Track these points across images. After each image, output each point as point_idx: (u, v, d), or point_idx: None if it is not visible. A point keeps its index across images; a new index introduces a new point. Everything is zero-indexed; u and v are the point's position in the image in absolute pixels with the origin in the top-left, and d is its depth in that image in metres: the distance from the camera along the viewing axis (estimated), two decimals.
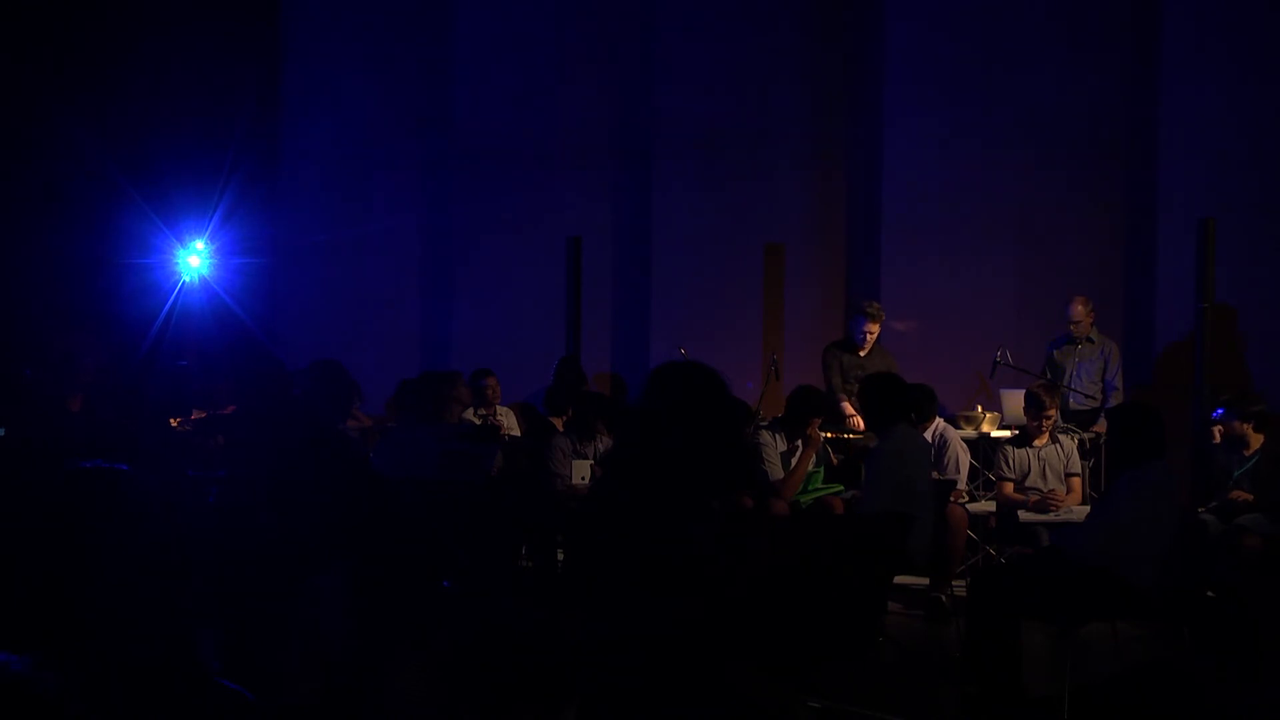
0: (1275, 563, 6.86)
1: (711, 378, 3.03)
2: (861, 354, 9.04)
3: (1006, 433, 8.36)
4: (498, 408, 9.17)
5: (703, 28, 10.49)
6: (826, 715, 5.16)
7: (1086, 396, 8.92)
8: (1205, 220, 8.57)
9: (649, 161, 10.51)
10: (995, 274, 9.93)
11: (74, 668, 1.31)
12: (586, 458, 7.89)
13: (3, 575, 2.00)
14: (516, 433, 9.11)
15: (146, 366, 8.95)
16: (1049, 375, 8.90)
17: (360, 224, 10.59)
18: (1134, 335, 9.77)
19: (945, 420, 8.35)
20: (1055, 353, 9.09)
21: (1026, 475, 7.81)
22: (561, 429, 8.33)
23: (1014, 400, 8.43)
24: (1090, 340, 8.99)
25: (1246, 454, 7.44)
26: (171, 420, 8.00)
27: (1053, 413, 7.89)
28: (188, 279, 10.07)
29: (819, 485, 7.93)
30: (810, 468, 7.84)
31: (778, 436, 7.90)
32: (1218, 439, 7.73)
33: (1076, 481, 7.85)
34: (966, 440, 8.33)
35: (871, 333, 9.00)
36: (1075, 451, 7.97)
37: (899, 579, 6.99)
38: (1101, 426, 8.46)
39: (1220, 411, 7.67)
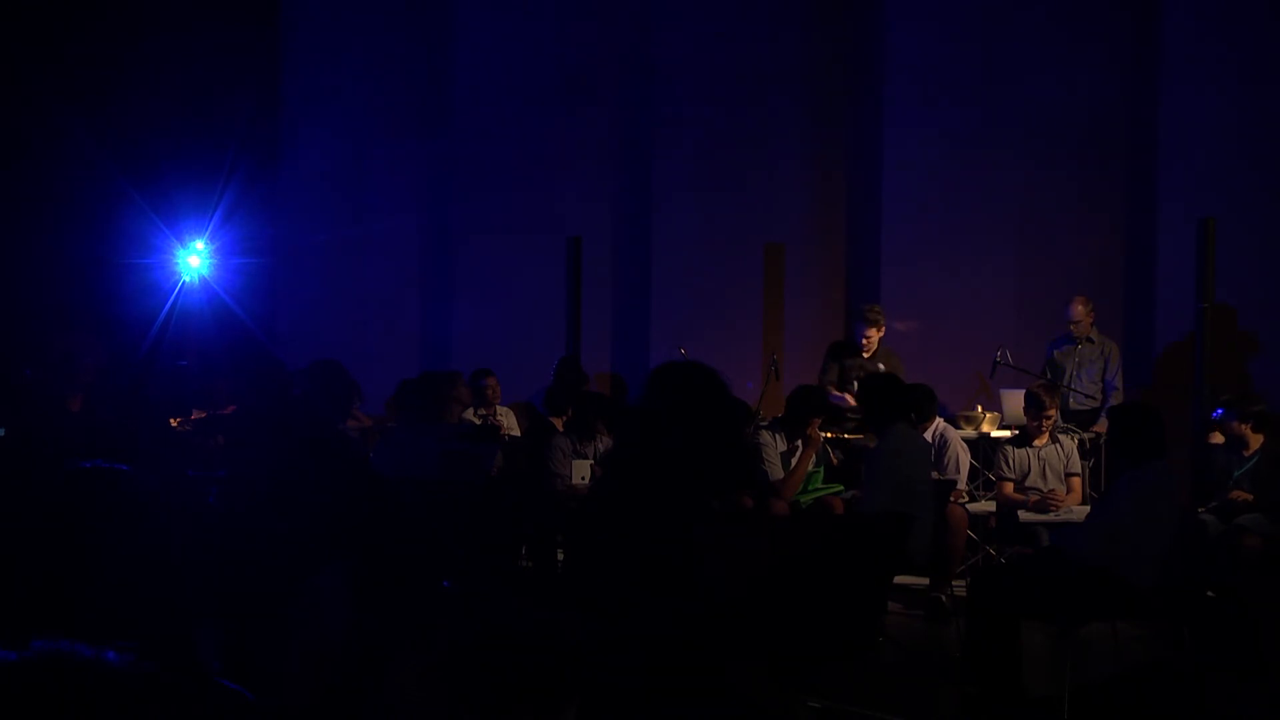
0: (1275, 563, 6.86)
1: (711, 378, 3.03)
2: (865, 355, 9.05)
3: (1006, 433, 8.36)
4: (498, 408, 9.17)
5: (703, 28, 10.49)
6: (826, 715, 5.16)
7: (1087, 396, 8.92)
8: (1205, 220, 8.57)
9: (649, 161, 10.51)
10: (995, 274, 9.93)
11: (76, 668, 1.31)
12: (586, 458, 7.89)
13: (3, 575, 2.00)
14: (516, 433, 9.11)
15: (146, 366, 8.94)
16: (1049, 375, 8.90)
17: (360, 224, 10.59)
18: (1134, 335, 9.77)
19: (945, 420, 8.35)
20: (1055, 353, 9.09)
21: (1026, 475, 7.81)
22: (561, 429, 8.32)
23: (1014, 400, 8.43)
24: (1090, 340, 8.98)
25: (1246, 454, 7.44)
26: (171, 420, 8.00)
27: (1053, 413, 7.89)
28: (188, 279, 10.06)
29: (819, 485, 7.93)
30: (810, 468, 7.84)
31: (778, 436, 7.90)
32: (1220, 439, 7.72)
33: (1076, 481, 7.85)
34: (966, 440, 8.32)
35: (870, 338, 9.01)
36: (1075, 451, 7.97)
37: (899, 579, 6.99)
38: (1101, 426, 8.46)
39: (1220, 412, 7.67)
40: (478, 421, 8.74)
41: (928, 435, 7.85)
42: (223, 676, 2.06)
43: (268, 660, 3.09)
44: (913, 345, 9.76)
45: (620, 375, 10.62)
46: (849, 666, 5.58)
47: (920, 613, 7.29)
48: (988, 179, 9.94)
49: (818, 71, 10.47)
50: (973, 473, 8.40)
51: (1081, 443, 8.32)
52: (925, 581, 7.36)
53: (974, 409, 8.86)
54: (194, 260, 10.09)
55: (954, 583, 7.30)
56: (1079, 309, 8.94)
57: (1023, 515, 7.53)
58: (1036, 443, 7.85)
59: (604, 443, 7.90)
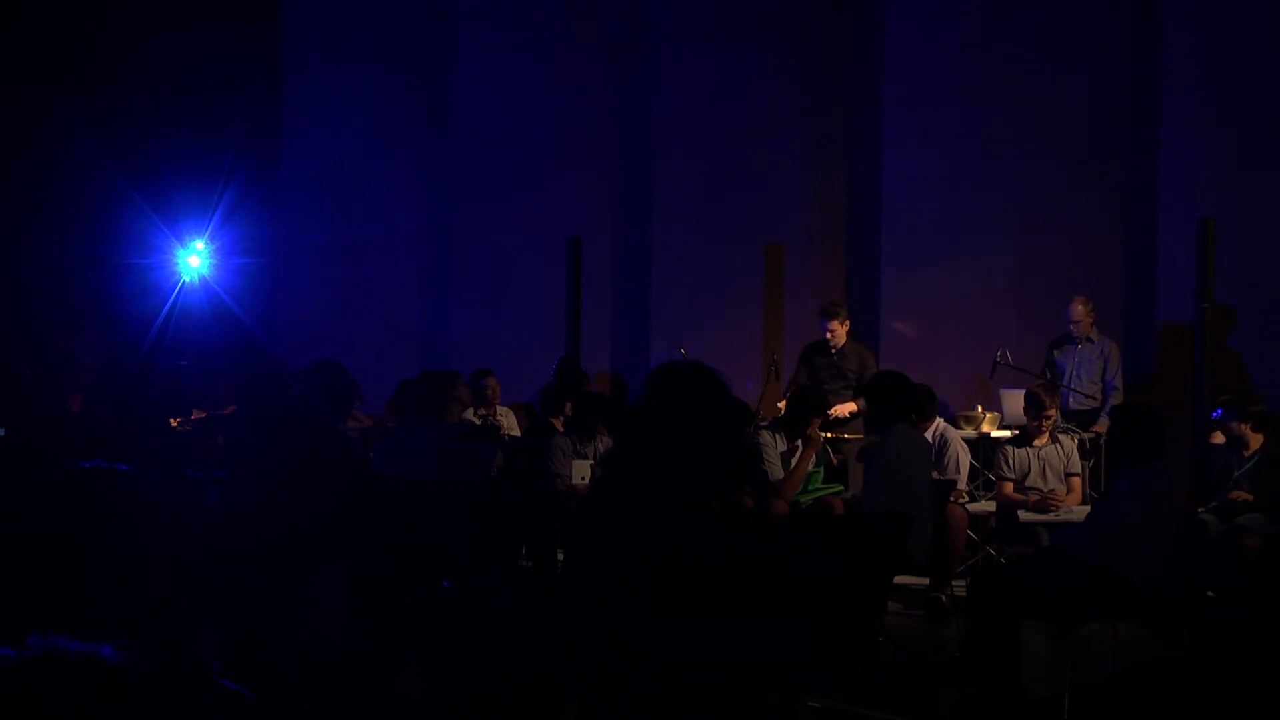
0: (1275, 563, 6.86)
1: (711, 378, 3.03)
2: (832, 352, 9.03)
3: (1006, 433, 8.36)
4: (498, 408, 9.17)
5: (703, 27, 10.48)
6: (826, 715, 5.16)
7: (1086, 396, 8.92)
8: (1205, 220, 8.57)
9: (649, 161, 10.51)
10: (995, 274, 9.92)
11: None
12: (586, 458, 7.89)
13: (3, 575, 2.00)
14: (516, 433, 9.11)
15: (146, 366, 8.96)
16: (1048, 375, 8.90)
17: (360, 224, 10.59)
18: (1134, 335, 9.77)
19: (945, 420, 8.35)
20: (1055, 353, 9.09)
21: (1026, 475, 7.81)
22: (560, 429, 8.32)
23: (1014, 400, 8.43)
24: (1090, 341, 8.98)
25: (1246, 454, 7.44)
26: (171, 420, 8.01)
27: (1053, 413, 7.88)
28: (188, 279, 10.07)
29: (819, 485, 7.93)
30: (810, 468, 7.84)
31: (778, 436, 7.90)
32: (1220, 439, 7.72)
33: (1076, 481, 7.85)
34: (966, 440, 8.33)
35: (833, 331, 8.98)
36: (1075, 451, 7.97)
37: (899, 579, 6.99)
38: (1102, 426, 8.46)
39: (1220, 412, 7.67)
40: (478, 421, 8.75)
41: (928, 435, 7.85)
42: (223, 676, 2.06)
43: (268, 660, 3.09)
44: (912, 345, 9.76)
45: (620, 375, 10.62)
46: (849, 666, 5.58)
47: (920, 613, 7.29)
48: (988, 179, 9.94)
49: (818, 72, 10.47)
50: (973, 473, 8.40)
51: (1081, 443, 8.32)
52: (925, 581, 7.36)
53: (974, 409, 8.86)
54: (194, 260, 10.09)
55: (954, 583, 7.30)
56: (1079, 309, 8.94)
57: (1023, 515, 7.53)
58: (1036, 443, 7.85)
59: (604, 443, 7.90)
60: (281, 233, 10.53)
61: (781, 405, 8.65)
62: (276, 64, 10.68)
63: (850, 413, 8.85)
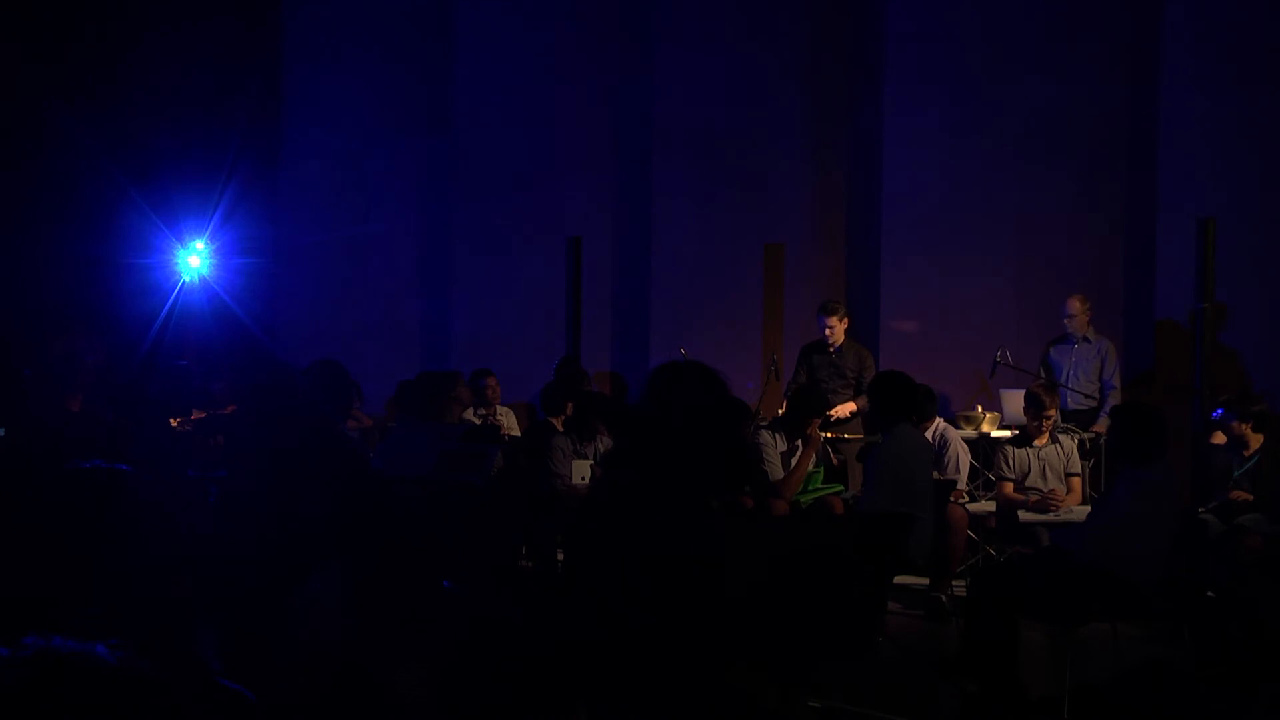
0: (1275, 563, 6.86)
1: (711, 378, 3.03)
2: (831, 351, 9.02)
3: (1006, 433, 8.36)
4: (498, 408, 9.17)
5: (703, 28, 10.49)
6: (826, 715, 5.16)
7: (1085, 396, 8.92)
8: (1205, 220, 8.57)
9: (649, 161, 10.51)
10: (995, 274, 9.92)
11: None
12: (586, 458, 7.89)
13: (3, 575, 2.00)
14: (516, 433, 9.11)
15: (146, 366, 8.95)
16: (1043, 374, 8.89)
17: (360, 224, 10.60)
18: (1133, 335, 9.77)
19: (945, 420, 8.35)
20: (1051, 351, 9.09)
21: (1026, 475, 7.81)
22: (560, 429, 8.32)
23: (1014, 400, 8.43)
24: (1087, 340, 8.98)
25: (1246, 454, 7.44)
26: (171, 420, 8.01)
27: (1053, 413, 7.88)
28: (188, 279, 10.07)
29: (819, 485, 7.93)
30: (810, 468, 7.84)
31: (778, 436, 7.90)
32: (1221, 440, 7.72)
33: (1076, 481, 7.85)
34: (966, 440, 8.32)
35: (832, 328, 8.97)
36: (1075, 451, 7.96)
37: (899, 579, 6.99)
38: (1101, 426, 8.45)
39: (1220, 412, 7.67)
40: (478, 421, 8.75)
41: (928, 435, 7.85)
42: (223, 676, 2.06)
43: (268, 660, 3.09)
44: (912, 345, 9.76)
45: (620, 375, 10.62)
46: (849, 666, 5.58)
47: (920, 613, 7.30)
48: (987, 179, 9.94)
49: (818, 71, 10.47)
50: (973, 473, 8.40)
51: (1081, 443, 8.32)
52: (925, 581, 7.36)
53: (974, 409, 8.86)
54: (194, 260, 10.09)
55: (954, 583, 7.30)
56: (1075, 304, 8.93)
57: (1023, 515, 7.53)
58: (1036, 443, 7.85)
59: (604, 443, 7.90)
60: (281, 233, 10.53)
61: (782, 407, 8.66)
62: (276, 64, 10.69)
63: (850, 413, 8.85)
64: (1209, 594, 6.84)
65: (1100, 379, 8.94)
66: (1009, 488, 7.81)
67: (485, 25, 10.61)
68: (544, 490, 7.78)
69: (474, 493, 7.17)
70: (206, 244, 10.12)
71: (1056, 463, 7.81)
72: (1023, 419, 7.99)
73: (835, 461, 8.68)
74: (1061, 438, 7.94)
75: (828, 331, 8.97)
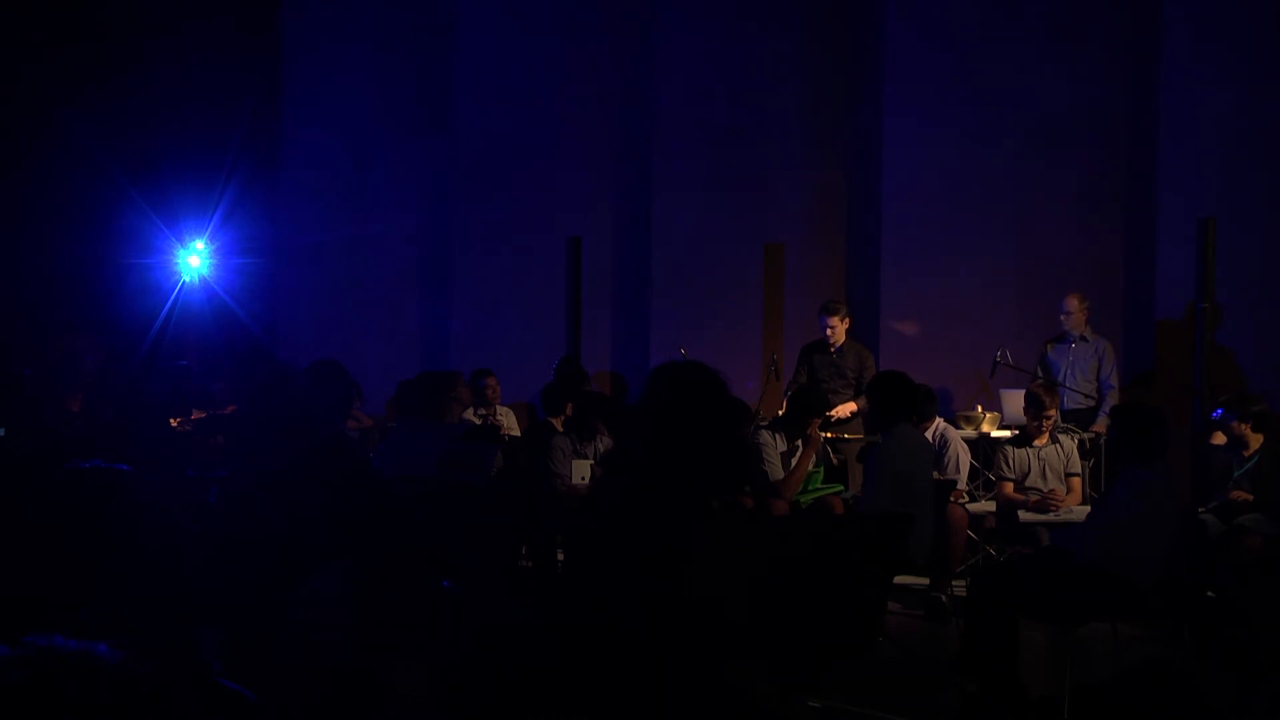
0: (1275, 563, 6.86)
1: (711, 378, 3.03)
2: (831, 351, 9.01)
3: (1006, 433, 8.36)
4: (498, 408, 9.17)
5: (703, 27, 10.49)
6: (826, 715, 5.16)
7: (1084, 396, 8.92)
8: (1205, 220, 8.57)
9: (649, 161, 10.51)
10: (995, 274, 9.93)
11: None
12: (586, 458, 7.89)
13: (3, 575, 2.00)
14: (516, 433, 9.11)
15: (146, 366, 8.95)
16: (1041, 374, 8.89)
17: (360, 224, 10.59)
18: (1133, 335, 9.77)
19: (945, 420, 8.35)
20: (1049, 351, 9.09)
21: (1026, 475, 7.81)
22: (560, 429, 8.33)
23: (1014, 400, 8.43)
24: (1084, 339, 8.98)
25: (1246, 454, 7.44)
26: (171, 420, 8.01)
27: (1053, 413, 7.88)
28: (188, 279, 10.07)
29: (819, 485, 7.93)
30: (810, 468, 7.84)
31: (778, 436, 7.90)
32: (1221, 440, 7.72)
33: (1076, 481, 7.85)
34: (966, 440, 8.33)
35: (834, 328, 8.96)
36: (1075, 451, 7.96)
37: (899, 579, 6.99)
38: (1101, 426, 8.46)
39: (1220, 412, 7.67)
40: (478, 421, 8.75)
41: (928, 435, 7.86)
42: (223, 676, 2.06)
43: (268, 660, 3.09)
44: (912, 345, 9.77)
45: (620, 375, 10.62)
46: (849, 666, 5.58)
47: (920, 613, 7.30)
48: (987, 179, 9.94)
49: (818, 71, 10.48)
50: (973, 473, 8.40)
51: (1081, 443, 8.32)
52: (925, 581, 7.36)
53: (974, 409, 8.86)
54: (194, 260, 10.09)
55: (954, 583, 7.30)
56: (1073, 303, 8.94)
57: (1023, 515, 7.53)
58: (1036, 443, 7.85)
59: (604, 443, 7.90)
60: (281, 233, 10.52)
61: (782, 407, 8.65)
62: (276, 64, 10.68)
63: (850, 413, 8.85)
64: (1209, 594, 6.84)
65: (1098, 378, 8.94)
66: (1009, 488, 7.81)
67: (485, 25, 10.61)
68: (544, 490, 7.78)
69: (474, 493, 7.17)
70: (206, 244, 10.12)
71: (1056, 463, 7.81)
72: (1023, 419, 7.99)
73: (835, 461, 8.68)
74: (1061, 438, 7.94)
75: (829, 331, 8.95)
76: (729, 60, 10.47)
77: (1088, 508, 6.98)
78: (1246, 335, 9.25)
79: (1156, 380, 9.46)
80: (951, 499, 7.49)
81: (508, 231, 10.55)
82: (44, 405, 7.29)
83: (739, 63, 10.46)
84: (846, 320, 9.08)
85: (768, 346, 10.16)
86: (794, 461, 7.79)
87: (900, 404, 6.71)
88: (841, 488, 8.11)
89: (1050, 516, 7.45)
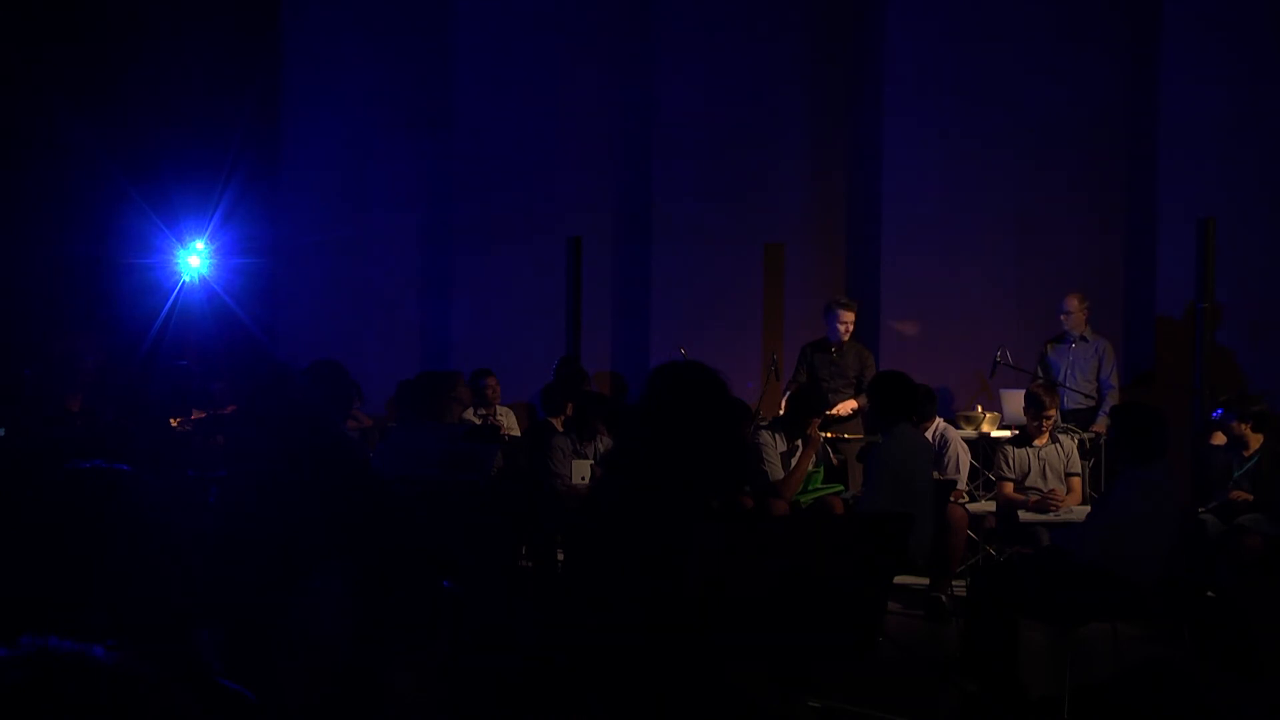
0: (1275, 563, 6.86)
1: (711, 378, 3.03)
2: (833, 350, 9.00)
3: (1006, 433, 8.36)
4: (498, 408, 9.17)
5: (703, 27, 10.49)
6: (826, 715, 5.16)
7: (1084, 396, 8.92)
8: (1205, 220, 8.57)
9: (649, 161, 10.51)
10: (995, 274, 9.93)
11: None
12: (586, 458, 7.89)
13: (2, 575, 2.00)
14: (516, 433, 9.11)
15: (146, 366, 8.95)
16: (1041, 374, 8.89)
17: (360, 224, 10.59)
18: (1133, 335, 9.77)
19: (945, 420, 8.35)
20: (1049, 351, 9.09)
21: (1026, 475, 7.81)
22: (560, 429, 8.33)
23: (1014, 400, 8.43)
24: (1084, 339, 8.98)
25: (1246, 454, 7.44)
26: (171, 420, 8.01)
27: (1053, 413, 7.88)
28: (188, 279, 10.06)
29: (819, 485, 7.93)
30: (810, 468, 7.84)
31: (778, 436, 7.90)
32: (1221, 440, 7.72)
33: (1076, 481, 7.85)
34: (966, 440, 8.33)
35: (846, 323, 8.91)
36: (1075, 451, 7.96)
37: (899, 579, 6.99)
38: (1101, 426, 8.46)
39: (1220, 412, 7.67)
40: (478, 421, 8.74)
41: (928, 435, 7.86)
42: (223, 676, 2.06)
43: (268, 660, 3.09)
44: (912, 345, 9.77)
45: (620, 375, 10.62)
46: (849, 666, 5.58)
47: (920, 613, 7.30)
48: (988, 179, 9.94)
49: (818, 71, 10.48)
50: (973, 473, 8.40)
51: (1081, 443, 8.32)
52: (925, 581, 7.36)
53: (974, 409, 8.86)
54: (194, 260, 10.09)
55: (954, 583, 7.30)
56: (1073, 303, 8.94)
57: (1023, 515, 7.53)
58: (1036, 443, 7.85)
59: (604, 443, 7.90)
60: (281, 233, 10.52)
61: (782, 407, 8.65)
62: (277, 64, 10.68)
63: (851, 410, 8.84)
64: (1209, 594, 6.84)
65: (1098, 378, 8.94)
66: (1009, 488, 7.81)
67: (485, 25, 10.61)
68: (544, 490, 7.78)
69: (474, 493, 7.17)
70: (206, 244, 10.12)
71: (1056, 463, 7.81)
72: (1023, 419, 7.99)
73: (835, 461, 8.68)
74: (1061, 438, 7.94)
75: (842, 327, 8.92)
76: (729, 60, 10.47)
77: (1088, 508, 6.98)
78: (1246, 335, 9.25)
79: (1156, 380, 9.46)
80: (951, 499, 7.49)
81: (508, 231, 10.55)
82: (44, 405, 7.29)
83: (739, 62, 10.46)
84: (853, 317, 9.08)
85: (768, 346, 10.16)
86: (794, 461, 7.79)
87: (900, 404, 6.71)
88: (841, 488, 8.11)
89: (1050, 516, 7.45)
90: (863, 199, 10.39)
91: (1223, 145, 9.36)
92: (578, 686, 2.85)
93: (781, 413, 8.38)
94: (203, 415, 8.19)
